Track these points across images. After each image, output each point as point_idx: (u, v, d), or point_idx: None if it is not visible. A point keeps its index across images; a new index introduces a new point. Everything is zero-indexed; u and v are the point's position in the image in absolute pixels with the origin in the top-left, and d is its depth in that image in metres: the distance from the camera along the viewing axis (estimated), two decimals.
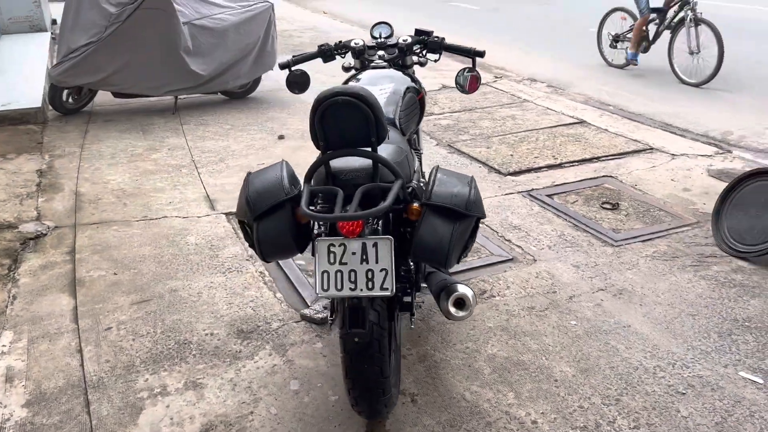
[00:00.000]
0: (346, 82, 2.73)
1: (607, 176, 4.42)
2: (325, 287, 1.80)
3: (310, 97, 2.08)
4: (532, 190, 4.19)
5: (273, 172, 2.01)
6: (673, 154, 4.81)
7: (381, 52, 2.88)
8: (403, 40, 2.88)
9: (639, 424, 2.21)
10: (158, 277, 3.20)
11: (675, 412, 2.26)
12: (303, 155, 4.79)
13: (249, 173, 2.06)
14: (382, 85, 2.61)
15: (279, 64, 2.92)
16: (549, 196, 4.11)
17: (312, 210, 1.82)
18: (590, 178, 4.38)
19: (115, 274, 3.22)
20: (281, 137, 5.25)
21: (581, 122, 5.58)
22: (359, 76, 2.74)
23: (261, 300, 3.00)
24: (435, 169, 2.05)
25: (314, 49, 2.97)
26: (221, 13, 5.70)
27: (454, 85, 2.89)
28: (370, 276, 1.80)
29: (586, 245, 3.46)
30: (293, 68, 2.87)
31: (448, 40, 2.84)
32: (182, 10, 5.49)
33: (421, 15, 11.74)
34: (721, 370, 2.47)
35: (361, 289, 1.80)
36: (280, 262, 3.32)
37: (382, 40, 2.92)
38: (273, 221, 1.91)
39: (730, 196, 3.49)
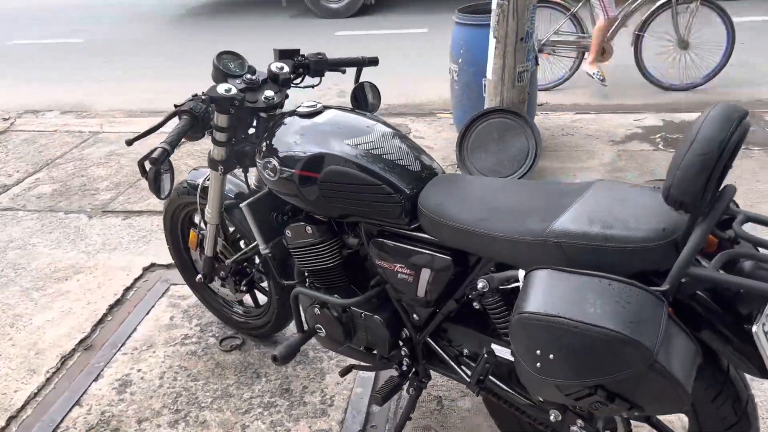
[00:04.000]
0: (274, 151, 1.81)
1: None
2: None
3: None
4: None
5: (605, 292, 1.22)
6: None
7: (268, 93, 1.96)
8: (278, 68, 2.02)
9: None
10: None
11: None
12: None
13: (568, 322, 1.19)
14: (384, 131, 1.83)
15: (152, 159, 1.67)
16: None
17: None
18: None
19: None
20: None
21: None
22: (298, 124, 1.84)
23: None
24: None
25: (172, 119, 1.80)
26: None
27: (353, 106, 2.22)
28: None
29: None
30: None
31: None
32: None
33: None
34: None
35: None
36: None
37: (252, 77, 1.97)
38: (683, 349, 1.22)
39: (464, 143, 3.83)
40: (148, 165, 1.74)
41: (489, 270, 1.59)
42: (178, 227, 2.60)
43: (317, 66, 2.12)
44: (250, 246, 2.25)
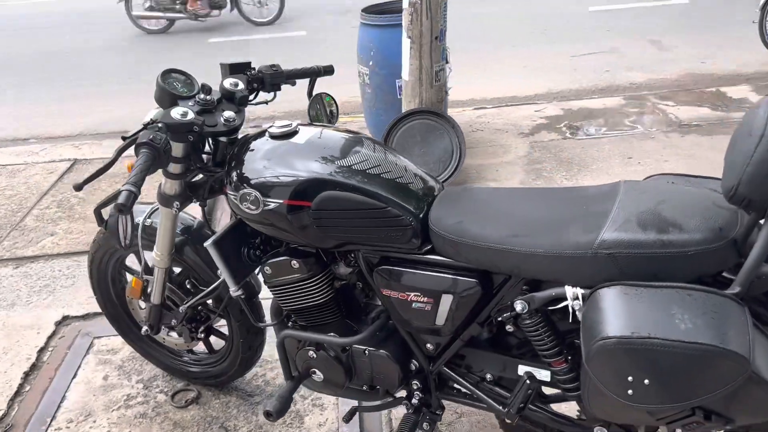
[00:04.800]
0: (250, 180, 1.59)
1: None
2: None
3: None
4: None
5: None
6: None
7: (228, 114, 1.73)
8: (233, 85, 1.78)
9: None
10: None
11: None
12: None
13: None
14: (375, 148, 1.65)
15: (119, 205, 1.40)
16: None
17: None
18: None
19: None
20: None
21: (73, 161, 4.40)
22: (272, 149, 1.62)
23: None
24: None
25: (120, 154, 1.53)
26: None
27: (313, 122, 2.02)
28: None
29: None
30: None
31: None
32: None
33: None
34: None
35: None
36: None
37: (206, 97, 1.72)
38: None
39: None
40: (111, 212, 1.45)
41: (521, 289, 1.47)
42: (108, 275, 2.25)
43: (274, 80, 1.90)
44: (211, 287, 1.97)
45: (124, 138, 1.61)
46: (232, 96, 1.78)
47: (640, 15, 7.42)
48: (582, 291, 1.32)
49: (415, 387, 1.73)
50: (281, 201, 1.56)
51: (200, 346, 2.30)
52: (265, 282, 1.78)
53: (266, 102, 1.93)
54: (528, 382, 1.53)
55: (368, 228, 1.54)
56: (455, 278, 1.51)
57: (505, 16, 7.86)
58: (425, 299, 1.55)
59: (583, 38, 6.72)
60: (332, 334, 1.73)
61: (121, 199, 1.39)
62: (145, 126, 1.60)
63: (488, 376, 1.65)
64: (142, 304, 2.19)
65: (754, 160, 1.14)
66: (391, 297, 1.60)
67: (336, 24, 7.98)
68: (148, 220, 1.99)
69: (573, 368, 1.45)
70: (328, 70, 2.03)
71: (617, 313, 1.17)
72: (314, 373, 1.79)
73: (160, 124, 1.57)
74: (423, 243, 1.54)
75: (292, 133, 1.67)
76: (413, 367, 1.73)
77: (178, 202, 1.77)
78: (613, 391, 1.18)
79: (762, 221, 1.21)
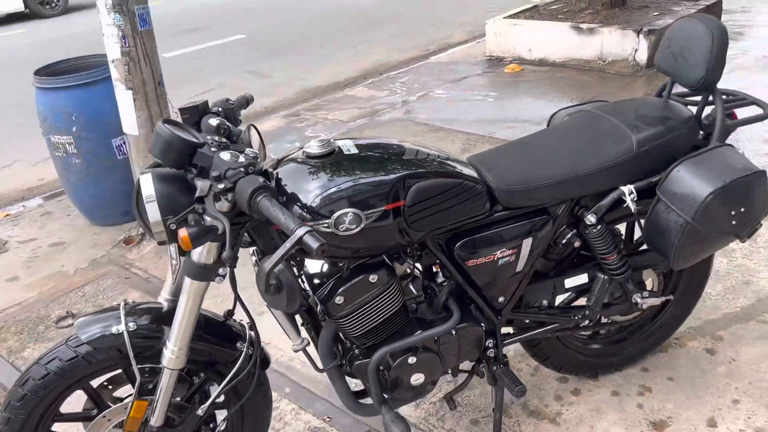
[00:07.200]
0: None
1: None
2: None
3: None
4: None
5: None
6: None
7: (251, 150, 1.55)
8: (222, 123, 1.58)
9: None
10: None
11: None
12: None
13: None
14: (409, 141, 1.69)
15: (322, 245, 1.21)
16: None
17: None
18: None
19: None
20: None
21: None
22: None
23: None
24: None
25: None
26: None
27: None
28: None
29: None
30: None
31: None
32: None
33: None
34: None
35: None
36: None
37: (221, 139, 1.48)
38: None
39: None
40: (279, 269, 1.19)
41: (574, 210, 1.77)
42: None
43: (237, 114, 1.71)
44: (238, 365, 1.61)
45: (175, 227, 1.33)
46: (228, 135, 1.55)
47: (212, 54, 7.92)
48: (633, 187, 1.72)
49: (490, 345, 1.85)
50: (382, 208, 1.50)
51: None
52: (331, 315, 1.62)
53: None
54: (604, 277, 1.84)
55: (454, 207, 1.61)
56: (531, 221, 1.72)
57: None
58: (509, 251, 1.71)
59: (186, 80, 6.84)
60: (419, 332, 1.71)
61: (315, 242, 1.17)
62: (218, 178, 1.32)
63: (544, 302, 1.90)
64: None
65: (714, 54, 1.71)
66: (477, 264, 1.70)
67: None
68: (132, 325, 1.54)
69: (622, 256, 1.84)
70: (250, 99, 1.89)
71: (704, 175, 1.61)
72: (416, 378, 1.72)
73: (241, 169, 1.32)
74: (493, 204, 1.69)
75: (332, 151, 1.58)
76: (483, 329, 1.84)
77: (225, 268, 1.46)
78: (720, 227, 1.63)
79: (710, 97, 1.81)
